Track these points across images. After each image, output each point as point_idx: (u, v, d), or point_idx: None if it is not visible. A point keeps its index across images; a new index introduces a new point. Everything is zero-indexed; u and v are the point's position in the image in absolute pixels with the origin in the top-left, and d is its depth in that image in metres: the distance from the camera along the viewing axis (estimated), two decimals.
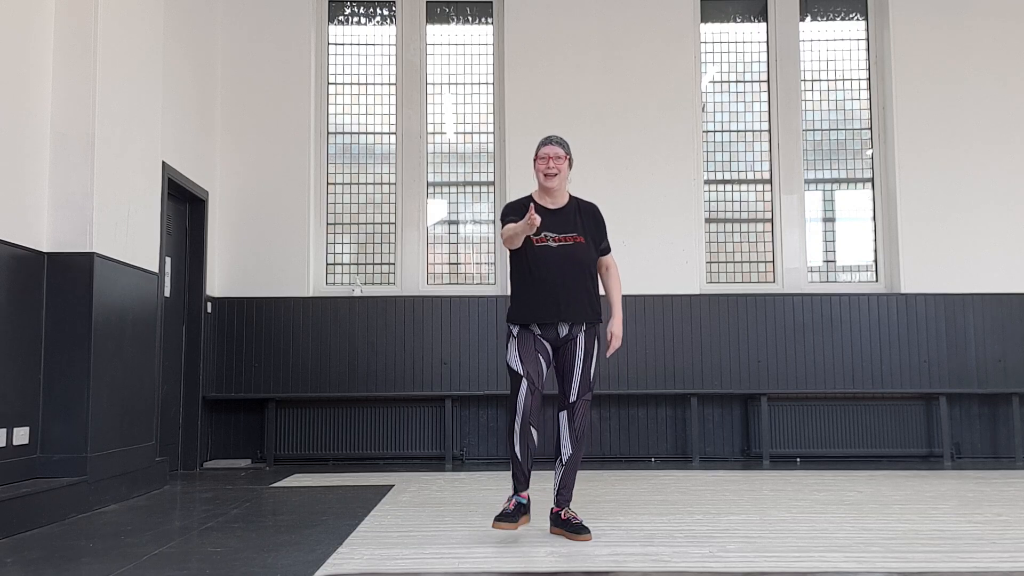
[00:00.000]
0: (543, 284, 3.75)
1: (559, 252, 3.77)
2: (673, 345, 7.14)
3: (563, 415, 3.78)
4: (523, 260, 3.82)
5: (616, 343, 3.88)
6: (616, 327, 3.89)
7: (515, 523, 3.59)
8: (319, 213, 7.40)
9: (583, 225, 3.85)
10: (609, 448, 7.05)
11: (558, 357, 3.83)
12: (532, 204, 3.65)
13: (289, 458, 6.95)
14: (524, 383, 3.68)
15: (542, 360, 3.76)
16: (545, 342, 3.80)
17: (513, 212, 3.88)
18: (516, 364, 3.73)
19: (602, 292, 3.98)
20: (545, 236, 3.79)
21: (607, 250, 3.99)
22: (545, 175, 3.83)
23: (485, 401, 7.06)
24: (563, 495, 3.77)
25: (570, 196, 3.95)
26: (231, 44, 7.30)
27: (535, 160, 3.88)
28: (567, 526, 3.67)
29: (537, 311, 3.76)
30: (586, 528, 3.64)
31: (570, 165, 3.89)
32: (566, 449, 3.76)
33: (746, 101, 7.63)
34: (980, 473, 6.04)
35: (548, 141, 3.88)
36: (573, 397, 3.77)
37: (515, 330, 3.82)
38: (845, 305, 7.21)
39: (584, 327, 3.81)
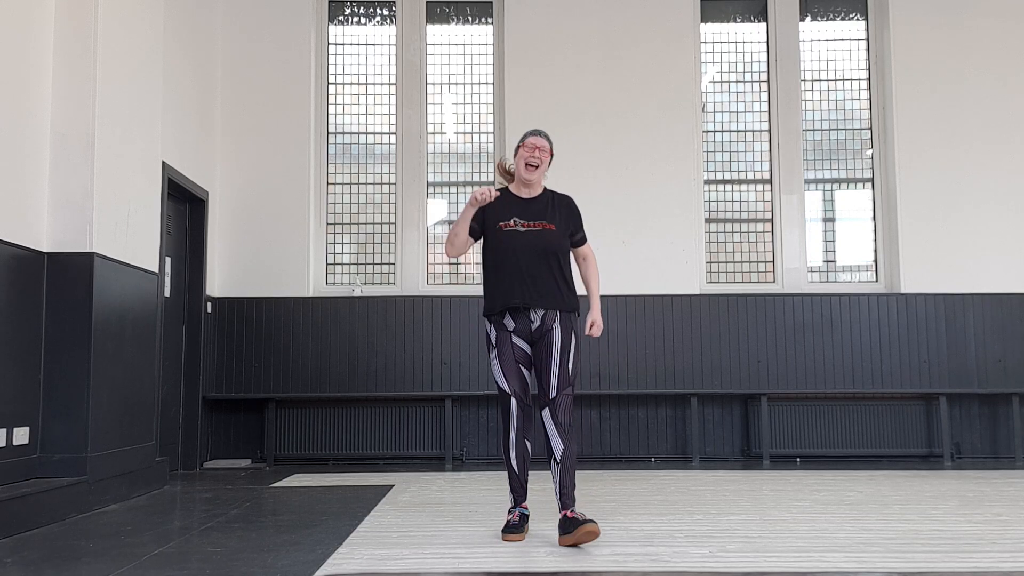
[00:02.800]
0: (511, 269, 3.75)
1: (527, 237, 3.77)
2: (673, 345, 7.14)
3: (545, 413, 3.69)
4: (491, 246, 3.83)
5: (596, 331, 3.85)
6: (595, 316, 3.88)
7: (522, 533, 3.67)
8: (319, 213, 7.40)
9: (555, 214, 3.85)
10: (609, 448, 7.05)
11: (535, 352, 3.79)
12: (496, 192, 3.70)
13: (289, 458, 6.95)
14: (514, 402, 3.75)
15: (524, 371, 3.80)
16: (522, 342, 3.79)
17: (475, 216, 3.88)
18: (503, 382, 3.77)
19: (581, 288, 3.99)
20: (514, 222, 3.79)
21: (583, 240, 3.97)
22: (527, 164, 3.82)
23: (485, 401, 7.06)
24: (566, 495, 3.62)
25: (545, 188, 3.96)
26: (231, 44, 7.30)
27: (519, 148, 3.87)
28: (573, 524, 3.48)
29: (506, 296, 3.74)
30: (591, 520, 3.45)
31: (550, 161, 3.89)
32: (557, 446, 3.65)
33: (746, 101, 7.63)
34: (980, 473, 6.04)
35: (535, 133, 3.88)
36: (553, 392, 3.69)
37: (492, 334, 3.81)
38: (845, 305, 7.21)
39: (558, 316, 3.76)
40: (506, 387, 3.76)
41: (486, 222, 3.86)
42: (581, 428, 7.02)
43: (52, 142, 4.63)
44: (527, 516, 3.76)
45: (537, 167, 3.83)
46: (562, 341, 3.74)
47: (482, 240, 3.92)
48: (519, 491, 3.78)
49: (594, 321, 3.86)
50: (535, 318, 3.76)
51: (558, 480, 3.65)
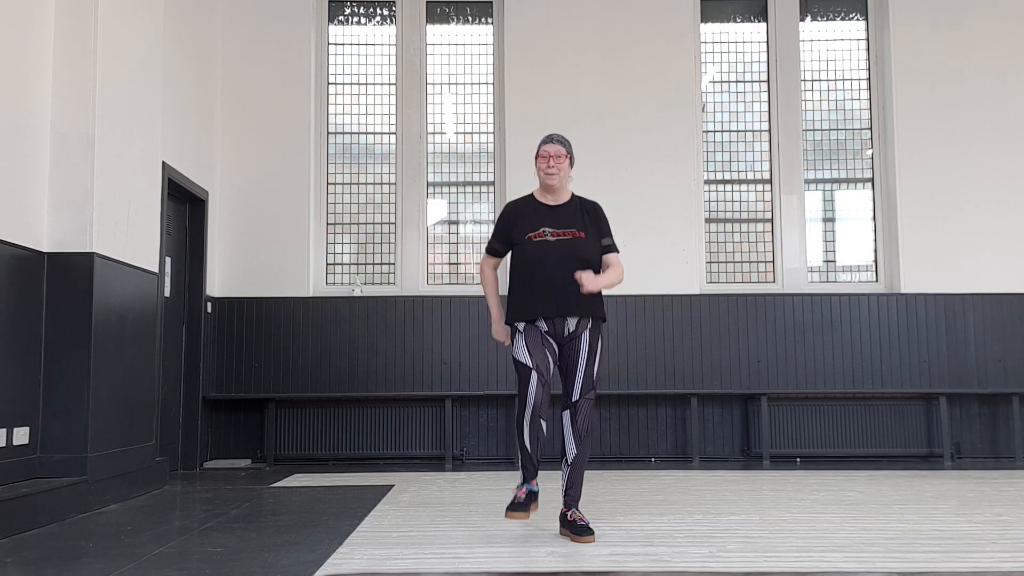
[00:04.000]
0: (541, 279, 3.74)
1: (557, 247, 3.76)
2: (673, 345, 7.14)
3: (566, 415, 3.77)
4: (521, 256, 3.83)
5: (586, 279, 3.58)
6: (590, 277, 3.61)
7: (527, 512, 3.69)
8: (319, 213, 7.40)
9: (584, 222, 3.84)
10: (609, 448, 7.05)
11: (562, 355, 3.81)
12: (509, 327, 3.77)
13: (289, 458, 6.95)
14: (534, 375, 3.68)
15: (550, 355, 3.75)
16: (551, 339, 3.79)
17: (500, 235, 3.91)
18: (524, 357, 3.72)
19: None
20: (543, 231, 3.79)
21: (611, 248, 3.90)
22: (546, 174, 3.83)
23: (485, 401, 7.06)
24: (571, 495, 3.74)
25: (572, 194, 3.95)
26: (231, 44, 7.30)
27: (536, 158, 3.88)
28: (572, 527, 3.65)
29: (537, 306, 3.74)
30: (590, 530, 3.61)
31: (571, 163, 3.89)
32: (571, 449, 3.75)
33: (746, 101, 7.62)
34: (980, 473, 6.03)
35: (549, 140, 3.87)
36: (576, 396, 3.76)
37: (521, 326, 3.80)
38: (845, 305, 7.21)
39: (589, 324, 3.79)
40: (527, 361, 3.69)
41: (514, 235, 3.85)
42: None
43: (52, 142, 4.63)
44: (535, 494, 3.74)
45: (556, 175, 3.82)
46: (590, 347, 3.78)
47: (510, 251, 3.91)
48: (531, 469, 3.74)
49: (590, 278, 3.61)
50: (570, 324, 3.78)
51: (566, 479, 3.77)
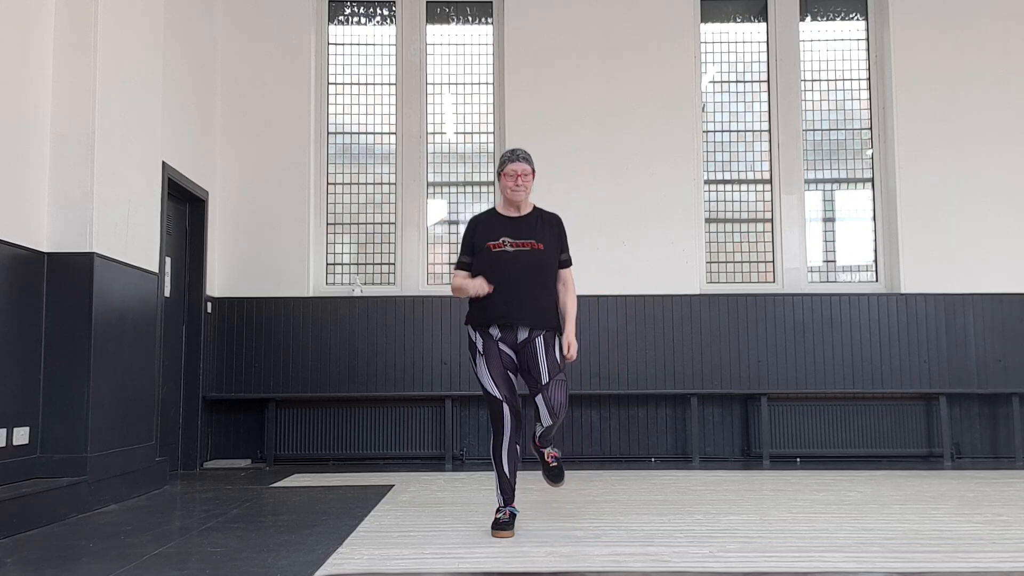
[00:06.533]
0: (500, 288, 3.82)
1: (515, 257, 3.85)
2: (673, 345, 7.14)
3: (539, 398, 3.84)
4: (480, 264, 3.91)
5: (573, 353, 3.90)
6: (571, 337, 3.91)
7: (512, 531, 3.78)
8: (319, 213, 7.40)
9: (543, 233, 3.94)
10: (609, 448, 7.05)
11: (520, 358, 3.89)
12: (483, 281, 3.82)
13: (289, 458, 6.95)
14: (506, 407, 3.84)
15: (512, 377, 3.90)
16: (507, 348, 3.87)
17: (467, 248, 3.98)
18: (492, 388, 3.86)
19: None
20: (503, 241, 3.88)
21: (567, 263, 4.03)
22: (512, 191, 3.92)
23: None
24: (544, 436, 3.92)
25: (534, 207, 4.05)
26: (231, 44, 7.29)
27: (502, 176, 3.95)
28: (545, 468, 3.88)
29: (494, 314, 3.83)
30: (561, 474, 3.86)
31: (533, 178, 3.99)
32: (546, 420, 3.86)
33: (746, 101, 7.62)
34: (980, 473, 6.03)
35: (514, 157, 3.93)
36: (545, 378, 3.82)
37: (479, 341, 3.89)
38: (845, 305, 7.21)
39: (543, 332, 3.87)
40: (496, 393, 3.85)
41: (475, 243, 3.95)
42: (581, 428, 7.02)
43: (52, 142, 4.63)
44: (515, 515, 3.86)
45: (522, 192, 3.93)
46: (546, 342, 3.87)
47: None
48: (509, 493, 3.89)
49: (570, 343, 3.90)
50: (522, 333, 3.87)
51: (540, 433, 3.94)
